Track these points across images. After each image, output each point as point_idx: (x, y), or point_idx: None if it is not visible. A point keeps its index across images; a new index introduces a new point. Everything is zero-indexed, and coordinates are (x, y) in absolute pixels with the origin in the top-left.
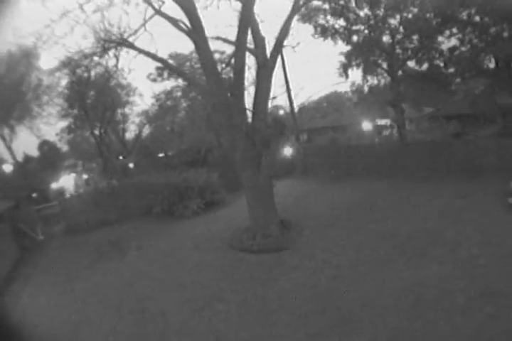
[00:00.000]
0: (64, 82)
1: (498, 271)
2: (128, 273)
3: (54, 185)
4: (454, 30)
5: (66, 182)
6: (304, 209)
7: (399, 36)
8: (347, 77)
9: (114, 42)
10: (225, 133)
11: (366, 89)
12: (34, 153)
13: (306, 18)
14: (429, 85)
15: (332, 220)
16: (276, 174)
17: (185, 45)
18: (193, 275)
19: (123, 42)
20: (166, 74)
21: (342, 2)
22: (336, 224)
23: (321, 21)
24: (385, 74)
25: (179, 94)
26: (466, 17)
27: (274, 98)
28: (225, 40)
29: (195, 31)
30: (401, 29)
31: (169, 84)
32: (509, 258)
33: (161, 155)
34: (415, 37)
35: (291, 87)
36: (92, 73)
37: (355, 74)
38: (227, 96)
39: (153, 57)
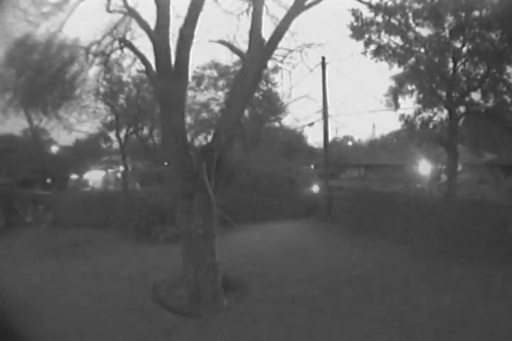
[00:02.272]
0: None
1: None
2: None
3: (75, 176)
4: None
5: (95, 176)
6: (279, 269)
7: (463, 61)
8: (397, 106)
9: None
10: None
11: (418, 123)
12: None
13: (358, 34)
14: (494, 125)
15: (304, 297)
16: (294, 212)
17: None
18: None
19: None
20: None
21: (399, 17)
22: (303, 304)
23: (374, 38)
24: (442, 107)
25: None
26: None
27: (311, 124)
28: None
29: (158, 30)
30: (464, 50)
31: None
32: None
33: None
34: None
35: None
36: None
37: (405, 104)
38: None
39: None
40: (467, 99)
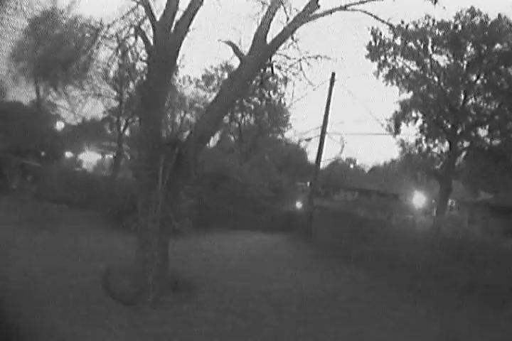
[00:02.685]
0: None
1: None
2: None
3: (70, 155)
4: None
5: (90, 158)
6: (233, 279)
7: (474, 94)
8: (397, 131)
9: None
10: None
11: (416, 152)
12: None
13: (375, 54)
14: (496, 164)
15: (247, 310)
16: (274, 225)
17: None
18: None
19: None
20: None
21: (418, 42)
22: (244, 317)
23: (390, 60)
24: (444, 139)
25: None
26: None
27: (308, 140)
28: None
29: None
30: (478, 83)
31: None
32: None
33: None
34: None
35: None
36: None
37: (407, 130)
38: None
39: None
40: (472, 133)
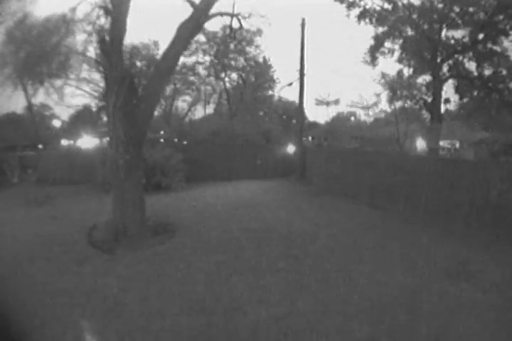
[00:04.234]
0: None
1: None
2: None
3: (68, 142)
4: None
5: (87, 143)
6: (218, 221)
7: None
8: (374, 63)
9: None
10: None
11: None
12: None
13: None
14: (489, 97)
15: (227, 249)
16: (270, 173)
17: None
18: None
19: None
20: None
21: None
22: (222, 254)
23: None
24: (425, 66)
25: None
26: None
27: (290, 84)
28: None
29: None
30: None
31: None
32: None
33: None
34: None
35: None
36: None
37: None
38: None
39: None
40: (452, 61)
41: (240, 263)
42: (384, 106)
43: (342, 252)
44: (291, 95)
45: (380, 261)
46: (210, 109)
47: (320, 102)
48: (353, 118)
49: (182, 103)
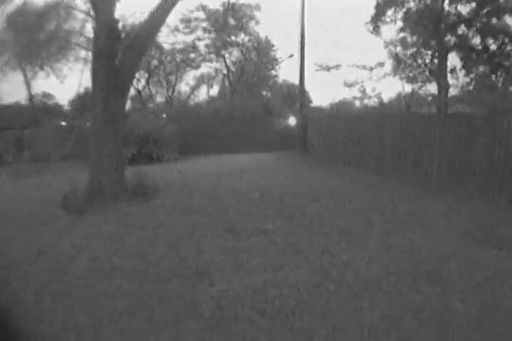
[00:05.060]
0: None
1: None
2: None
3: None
4: None
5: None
6: (205, 184)
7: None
8: (377, 31)
9: None
10: None
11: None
12: None
13: None
14: (496, 73)
15: (208, 212)
16: (271, 145)
17: None
18: None
19: None
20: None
21: None
22: (201, 216)
23: None
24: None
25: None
26: None
27: (291, 56)
28: None
29: None
30: None
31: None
32: None
33: None
34: None
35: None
36: None
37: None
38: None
39: None
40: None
41: (221, 224)
42: (388, 69)
43: (345, 214)
44: (295, 78)
45: (392, 224)
46: (214, 93)
47: (320, 67)
48: (358, 102)
49: (185, 87)
